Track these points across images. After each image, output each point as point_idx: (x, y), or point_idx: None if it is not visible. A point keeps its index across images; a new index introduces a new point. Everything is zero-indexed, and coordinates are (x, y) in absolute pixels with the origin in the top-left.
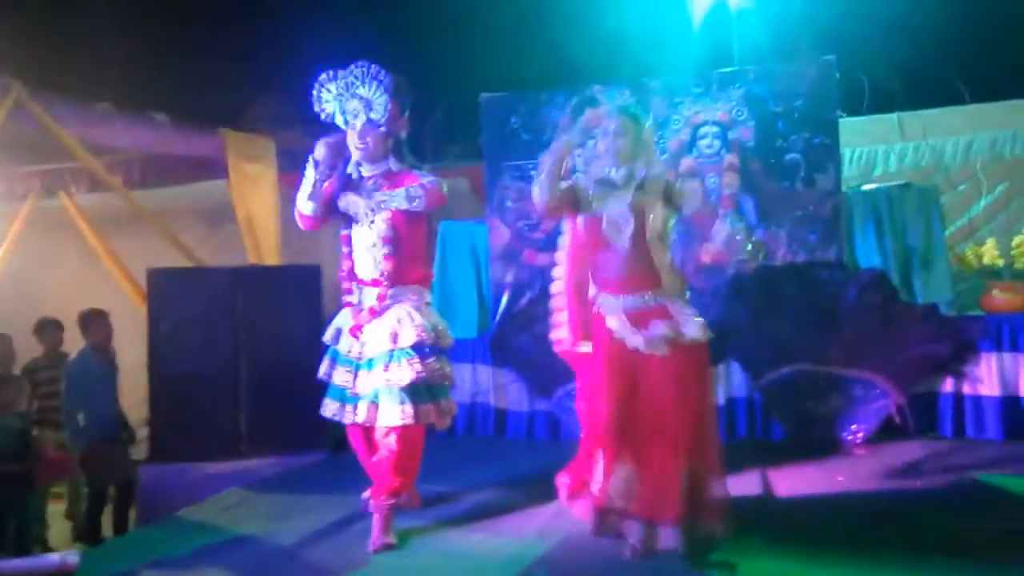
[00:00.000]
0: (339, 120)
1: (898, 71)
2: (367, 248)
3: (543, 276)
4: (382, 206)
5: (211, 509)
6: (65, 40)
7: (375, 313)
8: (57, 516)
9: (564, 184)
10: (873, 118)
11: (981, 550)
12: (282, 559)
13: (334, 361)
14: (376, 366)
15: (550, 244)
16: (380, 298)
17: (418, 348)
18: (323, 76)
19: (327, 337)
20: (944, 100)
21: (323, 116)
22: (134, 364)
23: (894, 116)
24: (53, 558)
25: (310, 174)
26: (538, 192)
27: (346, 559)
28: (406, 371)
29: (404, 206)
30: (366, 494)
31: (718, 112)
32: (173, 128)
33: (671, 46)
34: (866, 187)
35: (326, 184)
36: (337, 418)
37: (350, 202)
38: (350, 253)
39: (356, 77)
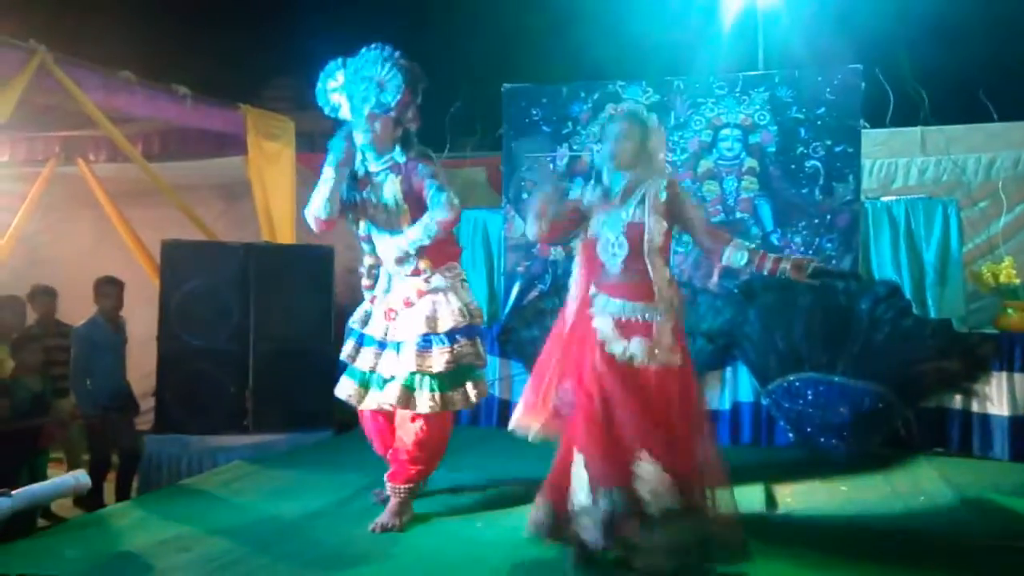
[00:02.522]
0: (345, 111)
1: (924, 84)
2: (393, 249)
3: (555, 269)
4: (410, 247)
5: (212, 481)
6: (91, 9)
7: (410, 305)
8: None
9: (569, 204)
10: (895, 131)
11: (981, 567)
12: (280, 533)
13: (360, 343)
14: (406, 350)
15: None
16: (420, 293)
17: (451, 334)
18: (330, 65)
19: (354, 320)
20: (968, 117)
21: (327, 111)
22: (143, 336)
23: (917, 130)
24: (68, 479)
25: (329, 176)
26: (529, 230)
27: (344, 537)
28: (439, 359)
29: (425, 241)
30: (381, 490)
31: (740, 115)
32: (194, 101)
33: (699, 47)
34: (885, 198)
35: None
36: (353, 400)
37: (383, 247)
38: (374, 250)
39: (367, 59)
